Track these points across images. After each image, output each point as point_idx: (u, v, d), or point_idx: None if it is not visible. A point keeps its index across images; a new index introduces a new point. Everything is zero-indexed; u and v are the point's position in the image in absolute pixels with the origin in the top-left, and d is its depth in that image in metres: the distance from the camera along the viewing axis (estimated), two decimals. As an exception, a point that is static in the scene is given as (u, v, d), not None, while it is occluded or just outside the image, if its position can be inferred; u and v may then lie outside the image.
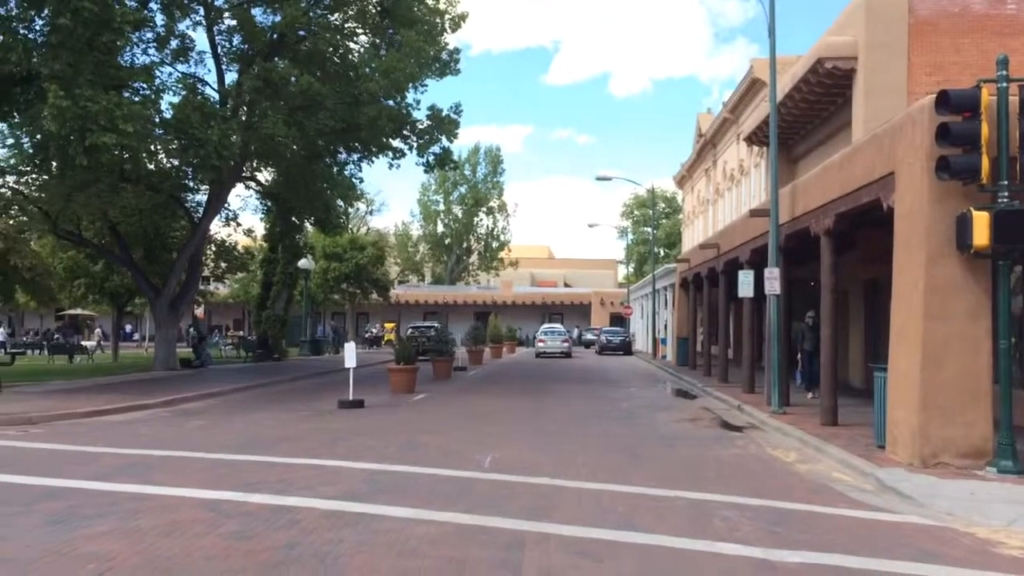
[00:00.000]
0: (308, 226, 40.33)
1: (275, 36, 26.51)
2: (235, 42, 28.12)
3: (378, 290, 57.86)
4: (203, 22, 26.99)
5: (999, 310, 10.25)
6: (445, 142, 28.75)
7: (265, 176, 34.26)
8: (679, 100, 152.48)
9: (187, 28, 27.04)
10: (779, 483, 9.94)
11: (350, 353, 19.00)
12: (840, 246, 15.09)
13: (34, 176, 27.28)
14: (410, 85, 27.06)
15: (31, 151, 24.82)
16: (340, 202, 34.59)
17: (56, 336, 47.75)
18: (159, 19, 24.05)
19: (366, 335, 61.14)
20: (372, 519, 7.75)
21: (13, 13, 21.30)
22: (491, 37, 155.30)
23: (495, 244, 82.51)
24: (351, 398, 18.03)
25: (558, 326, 56.62)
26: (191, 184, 29.65)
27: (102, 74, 20.25)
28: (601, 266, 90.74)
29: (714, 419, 16.91)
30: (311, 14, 26.48)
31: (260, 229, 41.47)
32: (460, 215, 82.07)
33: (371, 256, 56.12)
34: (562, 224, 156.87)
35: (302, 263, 41.09)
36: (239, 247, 38.41)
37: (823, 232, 14.54)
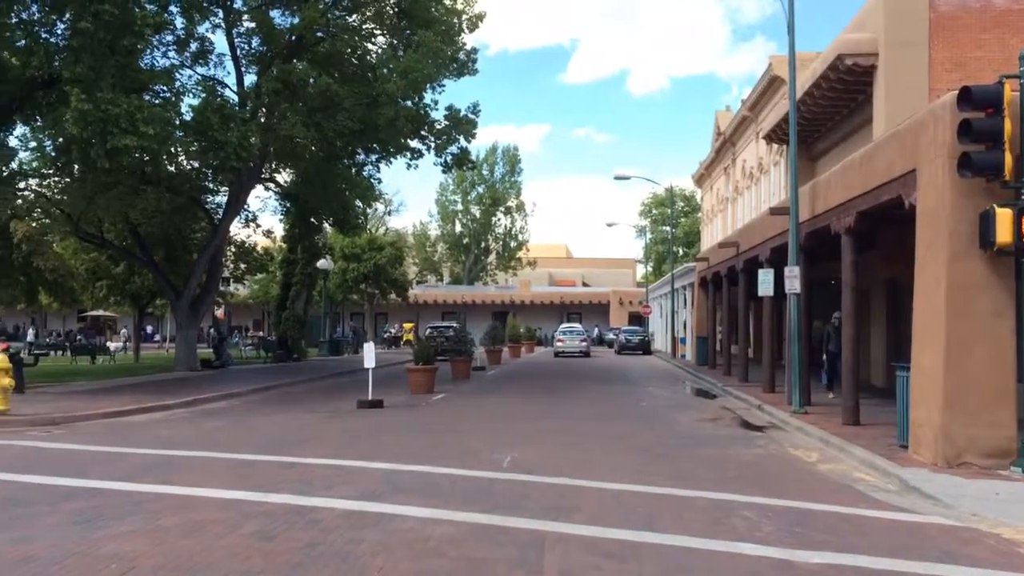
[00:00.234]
0: (327, 227, 40.57)
1: (293, 38, 26.65)
2: (254, 44, 28.30)
3: (396, 290, 58.03)
4: (222, 24, 27.17)
5: (1023, 308, 10.13)
6: (463, 142, 28.80)
7: (284, 177, 34.51)
8: (697, 98, 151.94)
9: (206, 31, 27.28)
10: (800, 483, 9.87)
11: (369, 353, 19.05)
12: (861, 244, 14.97)
13: (56, 179, 27.57)
14: (428, 85, 27.11)
15: (53, 154, 25.10)
16: (358, 202, 34.79)
17: (78, 337, 48.21)
18: (179, 22, 24.23)
19: (385, 335, 61.30)
20: (392, 519, 7.76)
21: (35, 17, 21.53)
22: (508, 36, 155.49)
23: (513, 244, 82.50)
24: (370, 398, 18.07)
25: (576, 326, 56.56)
26: (211, 186, 29.88)
27: (123, 77, 20.42)
28: (619, 265, 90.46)
29: (734, 419, 16.82)
30: (329, 15, 26.61)
31: (279, 230, 41.72)
32: (478, 215, 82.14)
33: (389, 256, 56.30)
34: (580, 223, 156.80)
35: (321, 264, 41.27)
36: (258, 248, 38.66)
37: (844, 230, 14.42)
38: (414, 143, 28.96)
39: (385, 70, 26.71)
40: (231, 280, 39.89)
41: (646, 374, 31.48)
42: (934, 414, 10.59)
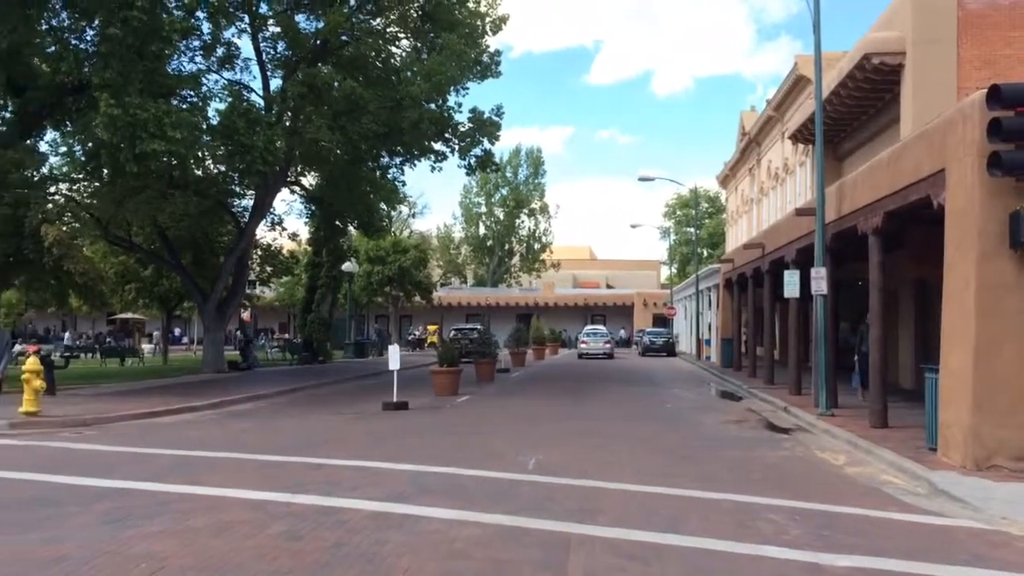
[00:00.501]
0: (352, 229, 40.79)
1: (318, 42, 26.84)
2: (279, 48, 28.56)
3: (421, 293, 58.22)
4: (248, 29, 27.44)
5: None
6: (486, 144, 28.90)
7: (309, 180, 34.76)
8: (722, 98, 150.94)
9: (232, 36, 27.58)
10: (828, 486, 9.80)
11: (394, 355, 19.11)
12: (889, 245, 14.83)
13: (86, 183, 27.96)
14: (451, 88, 27.23)
15: (83, 159, 25.46)
16: (383, 205, 34.96)
17: (108, 340, 48.81)
18: (205, 27, 24.50)
19: (409, 337, 61.53)
20: (417, 520, 7.79)
21: (65, 24, 21.85)
22: (532, 38, 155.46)
23: (537, 246, 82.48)
24: (395, 400, 18.14)
25: (600, 328, 56.47)
26: (237, 189, 30.17)
27: (151, 82, 20.67)
28: (644, 267, 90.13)
29: (760, 421, 16.71)
30: (353, 19, 26.79)
31: (305, 233, 42.01)
32: (502, 217, 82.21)
33: (414, 259, 56.50)
34: (604, 225, 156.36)
35: (346, 266, 41.51)
36: (284, 251, 38.93)
37: (871, 231, 14.29)
38: (438, 146, 29.11)
39: (409, 73, 26.85)
40: (257, 283, 40.18)
41: (670, 376, 31.36)
42: (963, 415, 10.47)
